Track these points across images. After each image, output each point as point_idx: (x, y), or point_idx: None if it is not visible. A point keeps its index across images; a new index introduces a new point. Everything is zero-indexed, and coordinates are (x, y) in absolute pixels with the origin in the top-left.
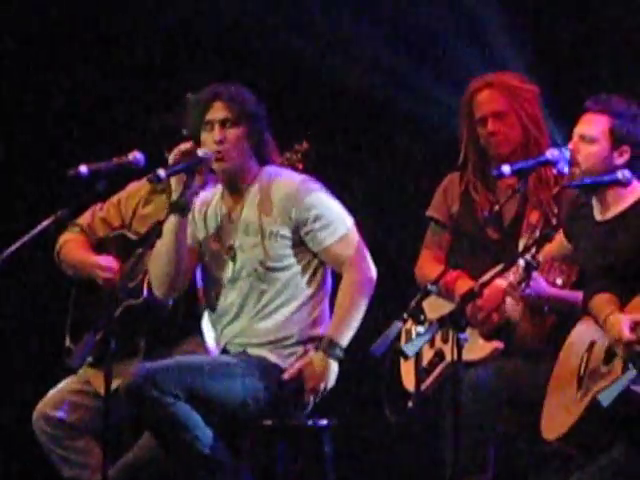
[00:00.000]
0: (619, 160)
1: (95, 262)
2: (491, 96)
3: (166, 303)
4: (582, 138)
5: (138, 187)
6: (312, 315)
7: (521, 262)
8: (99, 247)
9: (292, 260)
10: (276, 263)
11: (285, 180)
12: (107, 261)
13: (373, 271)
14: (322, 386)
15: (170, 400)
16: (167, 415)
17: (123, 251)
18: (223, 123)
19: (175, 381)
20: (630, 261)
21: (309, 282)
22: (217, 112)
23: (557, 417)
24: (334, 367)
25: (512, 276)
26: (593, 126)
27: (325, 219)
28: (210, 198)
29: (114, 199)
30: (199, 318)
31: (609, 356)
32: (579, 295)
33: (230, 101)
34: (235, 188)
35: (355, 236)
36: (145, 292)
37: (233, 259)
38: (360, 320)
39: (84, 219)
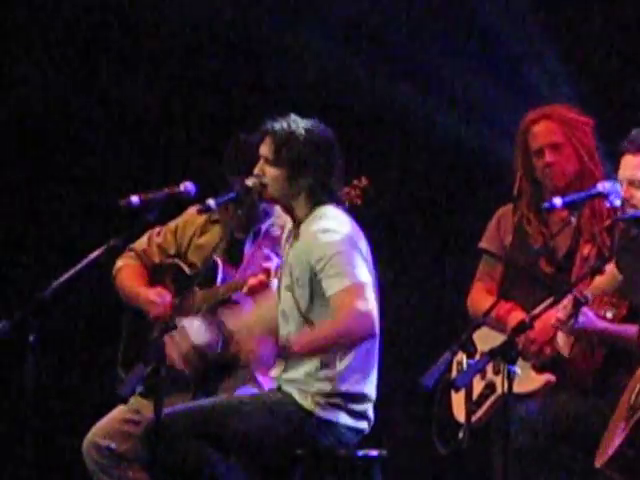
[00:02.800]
0: None
1: (147, 296)
2: (548, 127)
3: (215, 347)
4: (631, 184)
5: (195, 215)
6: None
7: (569, 299)
8: (154, 273)
9: (315, 313)
10: (306, 312)
11: (317, 224)
12: (159, 295)
13: (365, 321)
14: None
15: (184, 443)
16: (184, 458)
17: (176, 281)
18: (266, 159)
19: (190, 424)
20: None
21: None
22: (263, 148)
23: (606, 444)
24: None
25: (561, 312)
26: (637, 169)
27: (334, 267)
28: None
29: (172, 225)
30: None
31: None
32: (630, 328)
33: (275, 140)
34: (294, 222)
35: (357, 291)
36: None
37: (279, 296)
38: (326, 350)
39: (140, 244)
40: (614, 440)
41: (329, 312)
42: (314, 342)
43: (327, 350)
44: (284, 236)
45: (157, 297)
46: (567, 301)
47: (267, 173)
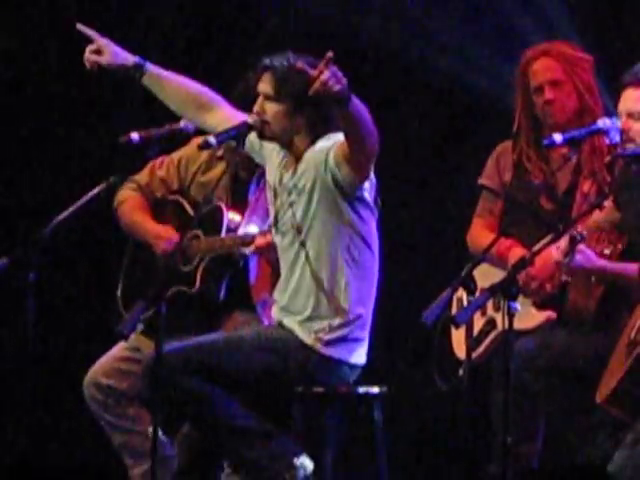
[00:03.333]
0: None
1: (155, 231)
2: (548, 64)
3: (217, 296)
4: (630, 116)
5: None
6: (340, 286)
7: (565, 238)
8: (155, 206)
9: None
10: (301, 220)
11: (323, 144)
12: (167, 232)
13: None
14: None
15: (182, 378)
16: (183, 393)
17: (178, 219)
18: (265, 96)
19: (189, 360)
20: None
21: (343, 251)
22: (262, 85)
23: (607, 380)
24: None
25: (557, 251)
26: (638, 102)
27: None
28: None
29: (175, 157)
30: (249, 303)
31: None
32: (629, 266)
33: (276, 77)
34: (291, 154)
35: None
36: (198, 284)
37: (276, 225)
38: (364, 122)
39: (142, 177)
40: (614, 376)
41: (322, 226)
42: (361, 108)
43: (361, 122)
44: (271, 164)
45: (165, 234)
46: (563, 240)
47: (268, 110)
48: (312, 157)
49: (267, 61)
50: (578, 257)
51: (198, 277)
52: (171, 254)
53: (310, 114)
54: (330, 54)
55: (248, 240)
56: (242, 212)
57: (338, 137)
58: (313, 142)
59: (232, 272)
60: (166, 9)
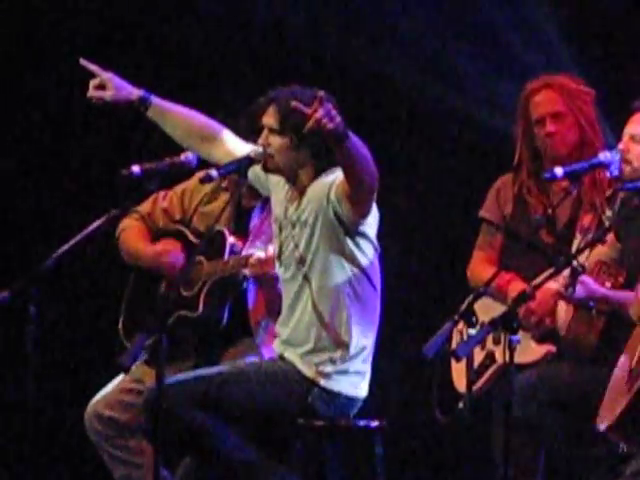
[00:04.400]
0: None
1: (156, 250)
2: (549, 97)
3: (220, 321)
4: (632, 138)
5: None
6: (342, 320)
7: (567, 268)
8: (157, 237)
9: (315, 256)
10: (303, 252)
11: (327, 179)
12: (168, 246)
13: (374, 171)
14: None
15: (183, 412)
16: (184, 426)
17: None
18: (270, 129)
19: (190, 393)
20: None
21: (344, 285)
22: (267, 117)
23: (608, 408)
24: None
25: (558, 283)
26: None
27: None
28: None
29: (178, 189)
30: (248, 325)
31: None
32: (628, 294)
33: (279, 110)
34: (295, 189)
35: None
36: (201, 307)
37: (280, 258)
38: (362, 159)
39: (145, 207)
40: (618, 403)
41: (324, 260)
42: (359, 145)
43: (359, 159)
44: (276, 196)
45: (166, 248)
46: (564, 272)
47: (272, 143)
48: (315, 191)
49: (272, 94)
50: (579, 287)
51: (201, 301)
52: (177, 277)
53: (314, 147)
54: (321, 93)
55: (250, 259)
56: (245, 239)
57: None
58: (317, 175)
59: (235, 295)
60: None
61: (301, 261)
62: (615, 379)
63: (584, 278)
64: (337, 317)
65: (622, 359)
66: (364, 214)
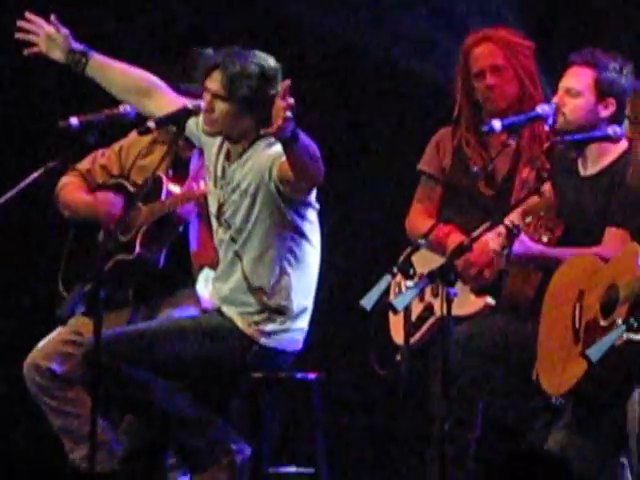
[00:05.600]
0: (604, 113)
1: (92, 199)
2: (489, 50)
3: (157, 262)
4: (567, 91)
5: (140, 136)
6: (282, 286)
7: (502, 229)
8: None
9: (261, 218)
10: (245, 223)
11: (267, 152)
12: (104, 195)
13: (321, 166)
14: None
15: (121, 365)
16: (120, 379)
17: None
18: (214, 95)
19: (127, 348)
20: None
21: (285, 253)
22: (212, 82)
23: (559, 371)
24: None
25: (494, 242)
26: (578, 79)
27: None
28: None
29: (116, 146)
30: (189, 271)
31: (606, 308)
32: (564, 251)
33: (227, 77)
34: (233, 152)
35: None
36: (137, 248)
37: (219, 218)
38: (309, 158)
39: (84, 164)
40: (573, 368)
41: (263, 232)
42: (307, 144)
43: (306, 159)
44: (210, 150)
45: (103, 202)
46: (500, 231)
47: (216, 109)
48: (257, 161)
49: (217, 58)
50: (516, 245)
51: (137, 242)
52: (114, 223)
53: (258, 116)
54: (288, 82)
55: (187, 196)
56: (183, 184)
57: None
58: (256, 139)
59: (172, 237)
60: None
61: (237, 233)
62: (549, 333)
63: (521, 237)
64: (277, 284)
65: (550, 310)
66: (306, 195)
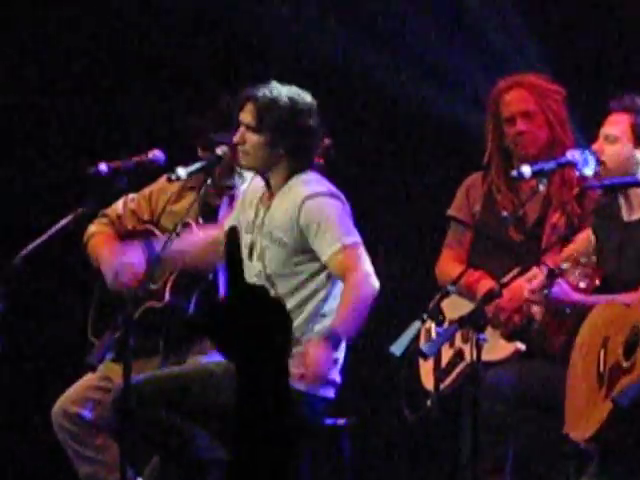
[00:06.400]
0: None
1: (115, 265)
2: (520, 95)
3: (187, 310)
4: (606, 138)
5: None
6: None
7: (544, 270)
8: (126, 239)
9: (297, 268)
10: (281, 270)
11: (300, 190)
12: (128, 266)
13: (374, 282)
14: (315, 373)
15: (151, 411)
16: (152, 425)
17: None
18: (247, 127)
19: (158, 392)
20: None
21: (316, 290)
22: (244, 115)
23: (585, 417)
24: (330, 355)
25: (533, 283)
26: (615, 125)
27: (327, 231)
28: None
29: (146, 191)
30: None
31: (628, 350)
32: (600, 298)
33: (257, 107)
34: (270, 186)
35: (358, 251)
36: (167, 296)
37: (250, 256)
38: (363, 319)
39: (114, 209)
40: (596, 414)
41: (313, 268)
42: (351, 318)
43: (362, 318)
44: (248, 193)
45: (130, 261)
46: (539, 272)
47: (248, 140)
48: (288, 204)
49: (250, 91)
50: (555, 289)
51: (167, 290)
52: (144, 271)
53: (290, 147)
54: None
55: (217, 244)
56: None
57: (314, 182)
58: (291, 175)
59: (202, 285)
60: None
61: (268, 278)
62: (576, 383)
63: (560, 280)
64: (308, 327)
65: (578, 361)
66: None
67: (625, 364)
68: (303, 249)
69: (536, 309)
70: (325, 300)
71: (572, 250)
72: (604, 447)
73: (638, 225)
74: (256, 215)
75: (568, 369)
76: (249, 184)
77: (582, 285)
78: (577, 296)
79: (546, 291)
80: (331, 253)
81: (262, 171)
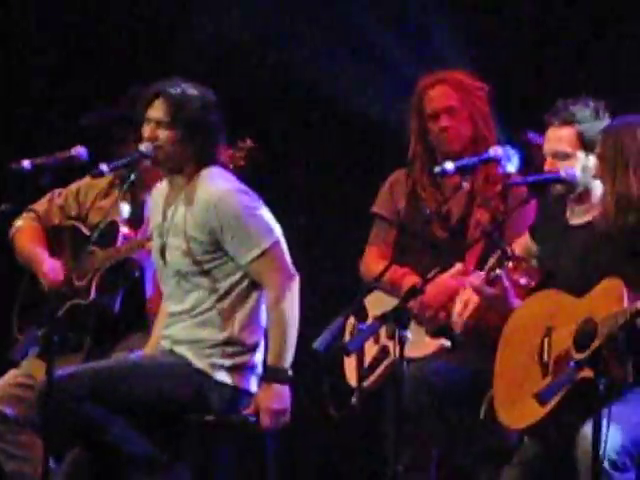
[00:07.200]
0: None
1: (40, 269)
2: (444, 92)
3: (112, 307)
4: (555, 156)
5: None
6: (235, 319)
7: (494, 256)
8: (53, 234)
9: (212, 265)
10: (196, 267)
11: (209, 188)
12: (52, 269)
13: (293, 282)
14: (279, 412)
15: (75, 404)
16: (75, 419)
17: (75, 244)
18: (158, 123)
19: (82, 386)
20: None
21: (232, 287)
22: (154, 111)
23: (519, 406)
24: (285, 391)
25: (474, 277)
26: (561, 141)
27: (241, 238)
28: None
29: (73, 187)
30: (144, 316)
31: (580, 342)
32: None
33: (169, 103)
34: (174, 186)
35: (274, 253)
36: (93, 294)
37: (164, 258)
38: (296, 331)
39: (41, 205)
40: (527, 403)
41: (229, 265)
42: (285, 344)
43: (293, 329)
44: (156, 196)
45: (50, 270)
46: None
47: (160, 136)
48: (201, 206)
49: (160, 87)
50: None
51: (93, 287)
52: (62, 283)
53: (200, 143)
54: None
55: (142, 242)
56: (138, 230)
57: (221, 178)
58: (197, 173)
59: (128, 283)
60: None
61: (184, 275)
62: (508, 369)
63: (504, 279)
64: (230, 315)
65: (510, 348)
66: None
67: (577, 355)
68: (216, 248)
69: (456, 318)
70: (257, 311)
71: (513, 248)
72: (536, 437)
73: (579, 230)
74: (164, 217)
75: (497, 355)
76: (154, 191)
77: (522, 282)
78: (518, 303)
79: (498, 271)
80: (249, 260)
81: (171, 166)
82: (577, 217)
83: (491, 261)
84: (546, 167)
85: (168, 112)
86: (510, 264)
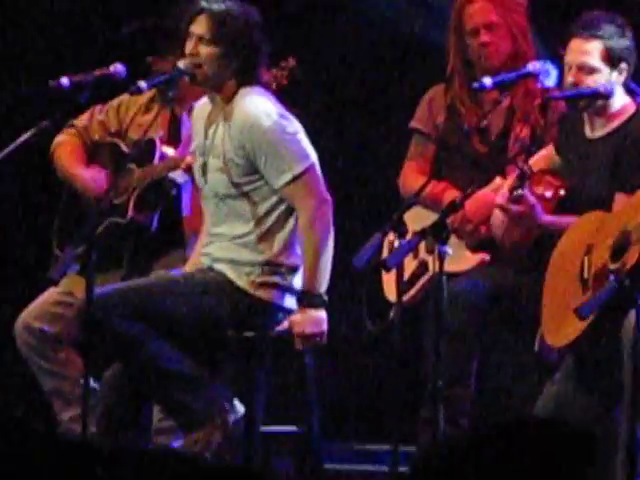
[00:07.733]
0: (619, 79)
1: (82, 180)
2: (483, 7)
3: (150, 226)
4: (581, 69)
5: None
6: (273, 242)
7: (511, 177)
8: (93, 150)
9: (250, 187)
10: (234, 190)
11: (247, 108)
12: (93, 179)
13: (326, 207)
14: (314, 335)
15: (115, 321)
16: (115, 336)
17: (114, 160)
18: (200, 39)
19: (121, 303)
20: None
21: (270, 210)
22: (197, 27)
23: (564, 323)
24: (321, 315)
25: (500, 197)
26: (588, 54)
27: (273, 161)
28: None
29: (115, 102)
30: (182, 234)
31: (616, 254)
32: (569, 220)
33: (212, 19)
34: (215, 104)
35: (306, 178)
36: (130, 212)
37: (204, 178)
38: (330, 256)
39: (81, 120)
40: (572, 320)
41: (248, 197)
42: (319, 269)
43: (327, 253)
44: (199, 114)
45: (92, 180)
46: (508, 182)
47: (202, 52)
48: (238, 128)
49: (203, 3)
50: (521, 206)
51: (130, 206)
52: (104, 197)
53: (243, 60)
54: None
55: (179, 161)
56: (177, 147)
57: (261, 100)
58: (238, 89)
59: (165, 202)
60: None
61: (222, 197)
62: (555, 289)
63: (528, 197)
64: (269, 238)
65: (558, 268)
66: None
67: (612, 266)
68: (253, 170)
69: (497, 225)
70: (295, 234)
71: (536, 161)
72: (578, 355)
73: (600, 142)
74: (206, 136)
75: (546, 276)
76: (196, 108)
77: (547, 194)
78: (547, 219)
79: (520, 191)
80: (282, 184)
81: (214, 84)
82: (598, 130)
83: (510, 180)
84: (570, 78)
85: (210, 28)
86: (531, 181)
